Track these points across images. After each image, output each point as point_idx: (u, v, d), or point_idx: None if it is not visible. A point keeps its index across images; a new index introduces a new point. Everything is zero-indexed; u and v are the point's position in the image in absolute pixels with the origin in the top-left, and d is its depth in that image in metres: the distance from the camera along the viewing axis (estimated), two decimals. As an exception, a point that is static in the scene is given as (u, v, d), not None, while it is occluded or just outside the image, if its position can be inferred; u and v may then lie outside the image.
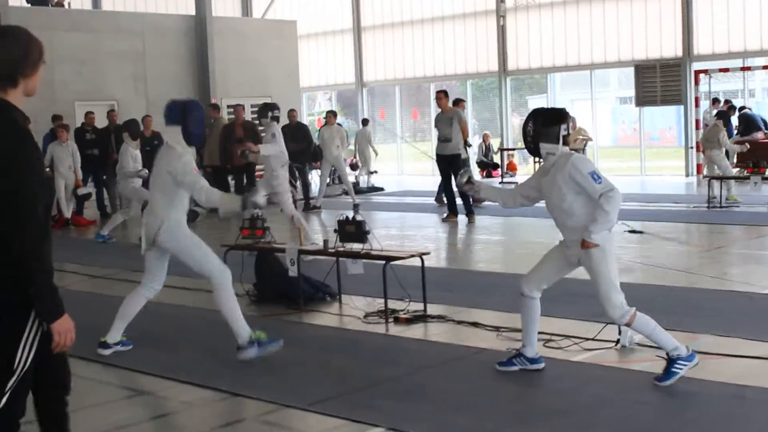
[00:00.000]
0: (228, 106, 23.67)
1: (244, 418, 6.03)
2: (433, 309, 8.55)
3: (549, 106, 6.45)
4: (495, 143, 27.40)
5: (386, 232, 14.35)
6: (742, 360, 6.55)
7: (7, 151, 3.66)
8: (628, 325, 6.12)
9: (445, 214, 15.97)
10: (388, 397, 6.15)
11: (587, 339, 7.24)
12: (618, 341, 7.07)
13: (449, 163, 15.62)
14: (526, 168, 26.47)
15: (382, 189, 23.98)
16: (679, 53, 23.56)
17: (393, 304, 8.60)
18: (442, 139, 15.69)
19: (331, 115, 19.91)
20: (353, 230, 8.67)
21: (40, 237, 3.69)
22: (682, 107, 23.82)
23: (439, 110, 16.03)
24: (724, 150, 17.03)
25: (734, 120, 21.44)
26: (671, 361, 5.99)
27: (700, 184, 17.62)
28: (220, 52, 24.97)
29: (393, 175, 28.95)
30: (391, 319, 8.33)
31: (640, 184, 22.07)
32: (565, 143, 6.17)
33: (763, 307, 8.30)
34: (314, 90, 32.86)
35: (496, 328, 7.81)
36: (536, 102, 31.37)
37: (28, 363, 3.81)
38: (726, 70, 21.87)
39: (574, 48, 25.58)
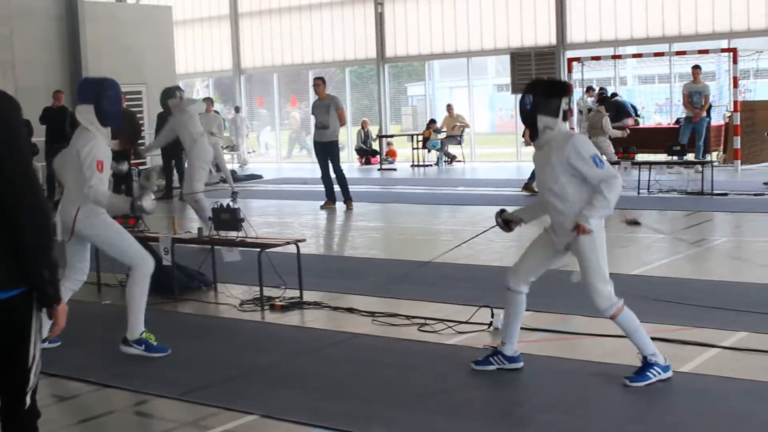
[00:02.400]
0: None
1: (114, 410, 5.90)
2: (309, 296, 8.53)
3: (549, 78, 6.04)
4: (374, 130, 27.49)
5: (264, 220, 14.26)
6: (609, 339, 6.71)
7: (8, 123, 3.48)
8: (613, 317, 5.72)
9: (323, 202, 15.93)
10: (262, 384, 6.11)
11: (461, 322, 7.32)
12: (491, 324, 7.17)
13: (326, 150, 15.60)
14: (405, 155, 26.59)
15: (260, 176, 23.83)
16: (554, 41, 24.04)
17: (269, 292, 8.56)
18: (319, 126, 15.61)
19: (208, 102, 19.65)
20: (228, 218, 8.58)
21: (49, 215, 3.55)
22: (556, 94, 24.25)
23: (317, 97, 15.94)
24: (608, 136, 17.41)
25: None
26: (648, 364, 5.68)
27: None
28: (93, 38, 24.32)
29: (272, 162, 28.84)
30: (266, 307, 8.29)
31: (516, 170, 22.43)
32: (565, 119, 5.73)
33: (629, 288, 8.51)
34: (191, 77, 32.40)
35: (372, 314, 7.84)
36: (415, 89, 31.58)
37: (39, 360, 3.66)
38: (598, 58, 22.38)
39: (451, 36, 25.84)
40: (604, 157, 5.63)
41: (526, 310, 7.23)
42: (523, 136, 17.18)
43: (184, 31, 30.53)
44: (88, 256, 7.02)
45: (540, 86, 5.84)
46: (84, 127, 6.68)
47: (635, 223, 7.99)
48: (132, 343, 6.81)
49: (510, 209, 6.37)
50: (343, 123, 15.87)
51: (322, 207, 15.83)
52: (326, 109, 15.44)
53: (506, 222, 6.27)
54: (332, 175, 15.66)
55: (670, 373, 5.73)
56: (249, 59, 30.25)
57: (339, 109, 15.61)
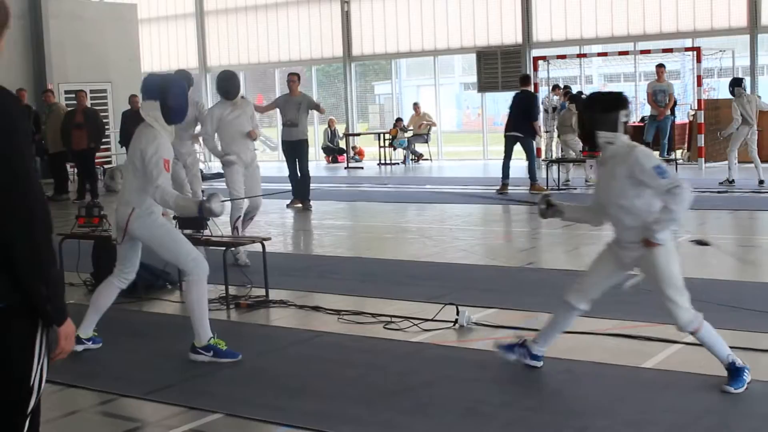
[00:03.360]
0: (66, 92, 23.00)
1: (79, 409, 5.85)
2: (275, 294, 8.50)
3: (606, 90, 5.84)
4: (340, 129, 27.46)
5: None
6: (574, 336, 6.74)
7: (5, 125, 3.12)
8: (694, 332, 5.53)
9: (289, 200, 15.85)
10: (227, 383, 6.08)
11: (426, 320, 7.33)
12: (456, 321, 7.18)
13: (294, 149, 15.42)
14: (372, 153, 26.58)
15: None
16: (519, 40, 24.13)
17: (235, 291, 8.52)
18: (288, 124, 15.32)
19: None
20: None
21: (51, 226, 3.19)
22: (522, 93, 24.36)
23: (287, 93, 15.64)
24: (577, 133, 17.43)
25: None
26: (737, 368, 5.51)
27: (539, 167, 17.96)
28: (57, 36, 24.11)
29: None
30: (232, 306, 8.25)
31: (483, 168, 22.50)
32: (625, 131, 5.58)
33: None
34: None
35: (337, 312, 7.83)
36: (382, 88, 31.60)
37: (44, 378, 3.33)
38: (563, 56, 22.48)
39: (417, 34, 25.88)
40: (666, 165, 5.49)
41: (492, 307, 7.29)
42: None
43: (150, 29, 30.37)
44: (138, 255, 6.84)
45: (596, 101, 5.76)
46: (147, 124, 6.48)
47: (704, 243, 7.93)
48: (200, 350, 6.55)
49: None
50: (322, 112, 15.87)
51: (288, 205, 15.76)
52: (297, 107, 15.10)
53: (548, 206, 6.15)
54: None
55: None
56: (215, 57, 30.13)
57: (315, 104, 15.55)
